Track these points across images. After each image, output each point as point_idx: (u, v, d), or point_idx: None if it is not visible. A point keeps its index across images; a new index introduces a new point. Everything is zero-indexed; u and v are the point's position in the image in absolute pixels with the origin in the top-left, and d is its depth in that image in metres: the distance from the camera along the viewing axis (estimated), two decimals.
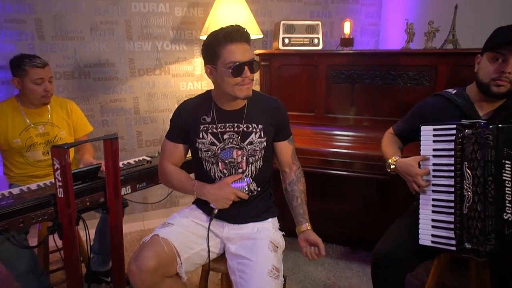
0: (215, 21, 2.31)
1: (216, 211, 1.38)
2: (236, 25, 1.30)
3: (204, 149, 1.41)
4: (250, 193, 1.42)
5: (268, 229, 1.41)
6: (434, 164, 1.39)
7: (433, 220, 1.37)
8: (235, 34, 1.27)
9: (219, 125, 1.41)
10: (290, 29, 2.31)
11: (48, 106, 1.91)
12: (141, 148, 2.68)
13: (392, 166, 1.49)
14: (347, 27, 2.27)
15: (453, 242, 1.31)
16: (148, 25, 2.51)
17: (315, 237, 1.38)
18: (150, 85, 2.60)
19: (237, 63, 1.26)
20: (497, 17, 1.85)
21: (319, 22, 2.33)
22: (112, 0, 2.40)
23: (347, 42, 2.24)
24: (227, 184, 1.35)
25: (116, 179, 1.51)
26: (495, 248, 1.25)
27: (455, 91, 1.51)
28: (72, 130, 1.99)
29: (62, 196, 1.33)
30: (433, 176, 1.38)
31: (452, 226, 1.32)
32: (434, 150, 1.40)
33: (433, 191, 1.38)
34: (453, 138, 1.34)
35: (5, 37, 2.24)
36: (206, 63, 1.36)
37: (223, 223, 1.43)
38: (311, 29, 2.32)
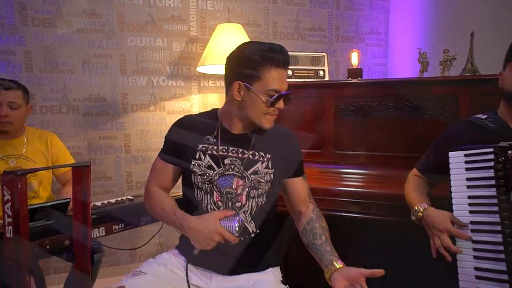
0: (213, 52, 2.18)
1: (196, 251, 1.09)
2: (280, 46, 1.13)
3: (199, 173, 1.17)
4: (246, 236, 1.15)
5: (268, 282, 1.13)
6: (469, 197, 1.14)
7: (476, 269, 1.08)
8: (282, 59, 1.12)
9: (221, 148, 1.18)
10: (293, 60, 2.16)
11: (24, 137, 1.71)
12: (130, 191, 2.43)
13: (419, 214, 1.22)
14: (354, 58, 2.12)
15: None
16: (144, 60, 2.39)
17: (357, 269, 1.06)
18: (143, 121, 2.42)
19: (279, 94, 1.11)
20: None
21: (324, 54, 2.19)
22: (107, 34, 2.30)
23: (355, 73, 2.07)
24: (213, 219, 1.08)
25: (85, 216, 1.25)
26: None
27: (485, 116, 1.30)
28: (50, 165, 1.77)
29: (11, 236, 1.07)
30: (470, 212, 1.13)
31: (505, 276, 1.03)
32: (468, 180, 1.16)
33: (472, 230, 1.11)
34: (491, 164, 1.11)
35: None
36: (237, 78, 1.14)
37: (210, 274, 1.15)
38: (316, 61, 2.18)
